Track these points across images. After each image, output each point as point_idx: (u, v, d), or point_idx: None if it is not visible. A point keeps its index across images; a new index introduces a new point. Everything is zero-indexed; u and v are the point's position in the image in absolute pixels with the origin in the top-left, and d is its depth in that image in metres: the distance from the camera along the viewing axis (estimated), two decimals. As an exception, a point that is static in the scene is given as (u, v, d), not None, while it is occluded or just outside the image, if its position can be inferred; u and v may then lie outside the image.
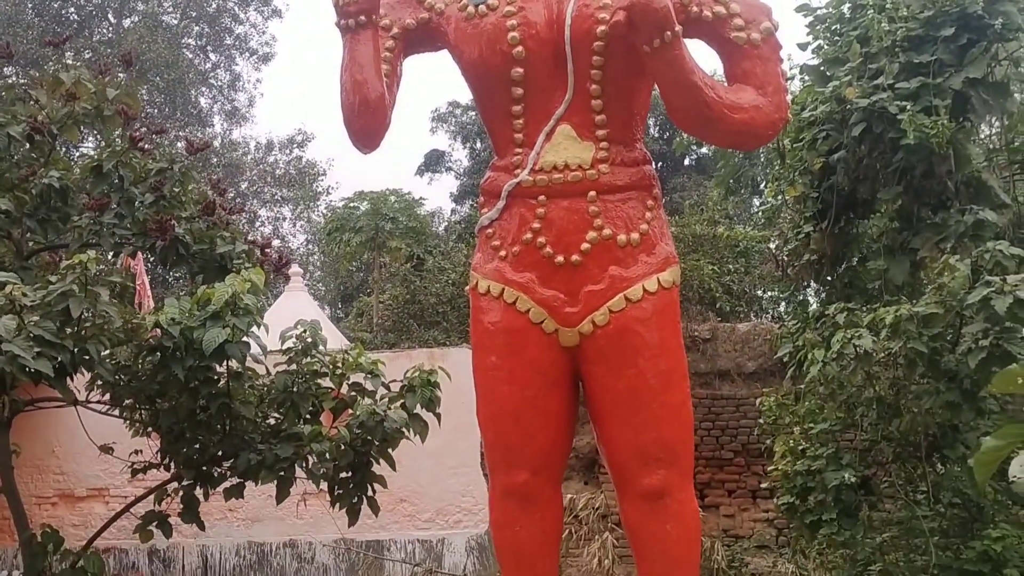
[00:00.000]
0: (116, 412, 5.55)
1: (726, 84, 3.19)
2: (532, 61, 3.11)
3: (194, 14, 25.72)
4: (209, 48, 26.23)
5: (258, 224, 25.70)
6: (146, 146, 5.51)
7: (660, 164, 27.06)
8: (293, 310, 17.08)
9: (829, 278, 6.50)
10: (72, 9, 24.43)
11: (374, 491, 5.49)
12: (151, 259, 5.52)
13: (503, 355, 3.17)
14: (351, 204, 16.24)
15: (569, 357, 3.16)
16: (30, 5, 23.13)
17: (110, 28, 24.96)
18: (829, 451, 6.14)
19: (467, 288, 3.40)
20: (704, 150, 24.03)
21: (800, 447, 6.39)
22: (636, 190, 3.19)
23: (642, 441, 3.08)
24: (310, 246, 26.19)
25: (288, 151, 26.07)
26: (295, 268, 19.36)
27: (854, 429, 6.20)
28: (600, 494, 8.96)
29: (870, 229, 6.48)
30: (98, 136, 6.41)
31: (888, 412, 5.54)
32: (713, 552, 8.11)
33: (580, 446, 8.20)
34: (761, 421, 7.57)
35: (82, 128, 5.84)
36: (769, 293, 13.10)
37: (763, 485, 7.31)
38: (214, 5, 25.79)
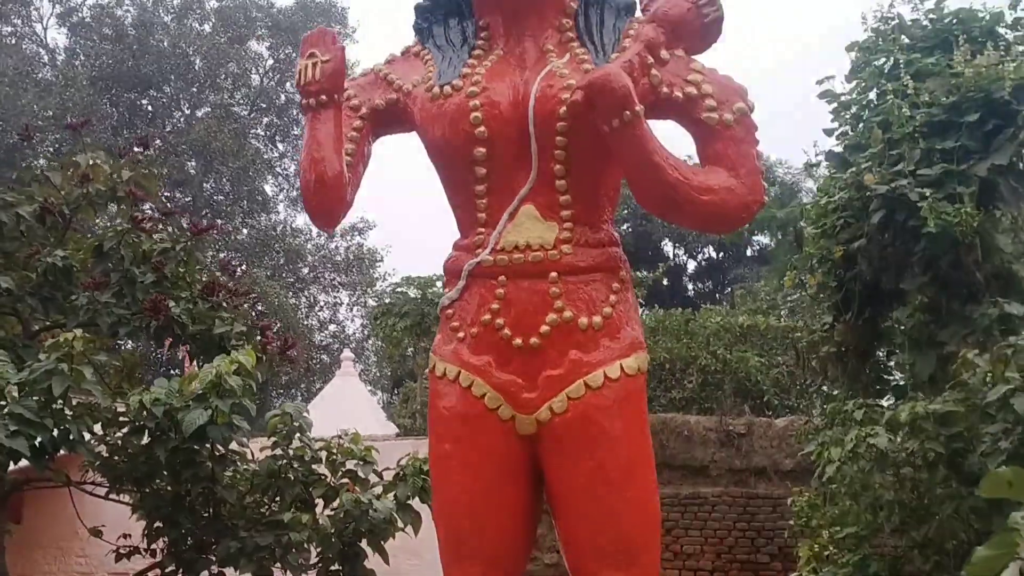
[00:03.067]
0: (112, 494, 5.46)
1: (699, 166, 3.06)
2: (495, 141, 3.03)
3: (264, 105, 26.60)
4: (277, 138, 27.03)
5: (317, 309, 26.03)
6: (147, 225, 5.53)
7: (721, 255, 26.84)
8: (342, 395, 17.13)
9: (856, 372, 6.20)
10: (146, 101, 25.45)
11: (365, 586, 5.28)
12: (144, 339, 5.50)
13: (457, 442, 3.02)
14: (399, 289, 16.33)
15: (527, 446, 2.98)
16: (106, 98, 24.15)
17: (182, 119, 25.91)
18: (855, 558, 5.76)
19: (426, 371, 3.28)
20: (765, 240, 23.78)
21: (826, 553, 6.02)
22: (601, 272, 3.05)
23: (600, 539, 2.88)
24: (366, 331, 26.40)
25: (349, 238, 26.52)
26: (347, 353, 19.55)
27: (883, 534, 5.83)
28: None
29: (902, 322, 6.19)
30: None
31: (912, 517, 5.18)
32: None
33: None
34: (792, 522, 7.20)
35: (97, 209, 5.90)
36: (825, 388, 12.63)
37: (787, 593, 6.89)
38: (283, 97, 26.66)
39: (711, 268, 27.38)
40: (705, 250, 27.01)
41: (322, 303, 26.13)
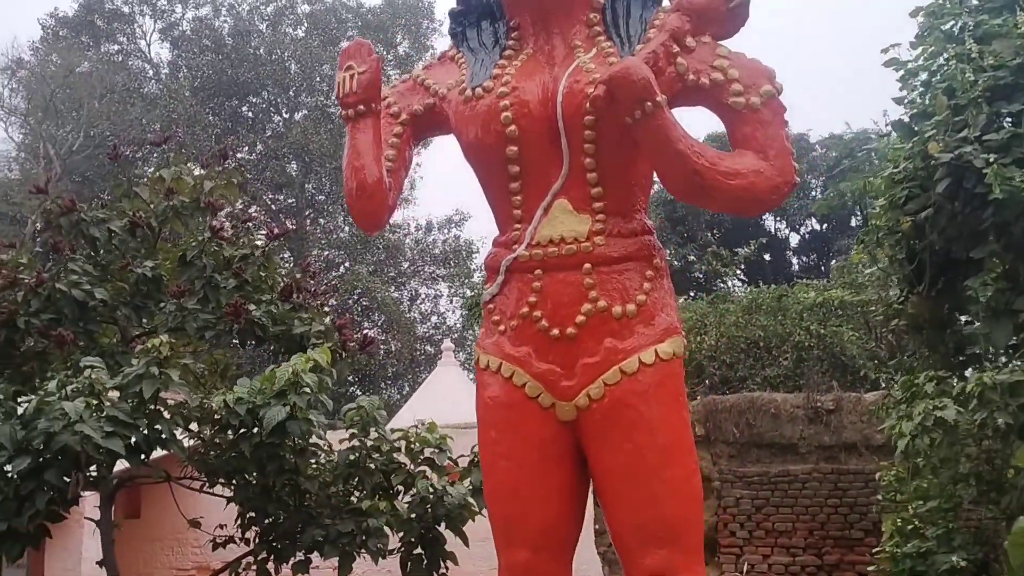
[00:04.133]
0: (207, 488, 5.81)
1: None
2: (526, 139, 3.12)
3: (359, 105, 27.03)
4: (373, 136, 27.47)
5: (418, 302, 26.54)
6: (227, 234, 5.84)
7: (824, 226, 26.15)
8: (444, 384, 17.49)
9: (933, 344, 6.07)
10: (246, 108, 26.29)
11: (447, 568, 5.48)
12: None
13: (502, 430, 3.15)
14: (491, 280, 16.59)
15: (570, 432, 3.09)
16: (208, 107, 25.06)
17: (281, 123, 26.67)
18: (939, 531, 5.69)
19: (472, 364, 3.42)
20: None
21: (910, 526, 5.96)
22: (634, 261, 3.12)
23: (641, 519, 2.96)
24: (465, 321, 26.82)
25: (446, 230, 26.90)
26: (447, 344, 19.93)
27: (970, 506, 5.74)
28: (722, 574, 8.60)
29: (977, 290, 6.04)
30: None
31: (988, 488, 5.09)
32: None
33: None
34: (879, 497, 7.12)
35: (183, 220, 6.23)
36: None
37: (870, 568, 6.81)
38: (376, 95, 27.06)
39: (815, 241, 26.66)
40: (808, 223, 26.35)
41: (423, 296, 26.63)
